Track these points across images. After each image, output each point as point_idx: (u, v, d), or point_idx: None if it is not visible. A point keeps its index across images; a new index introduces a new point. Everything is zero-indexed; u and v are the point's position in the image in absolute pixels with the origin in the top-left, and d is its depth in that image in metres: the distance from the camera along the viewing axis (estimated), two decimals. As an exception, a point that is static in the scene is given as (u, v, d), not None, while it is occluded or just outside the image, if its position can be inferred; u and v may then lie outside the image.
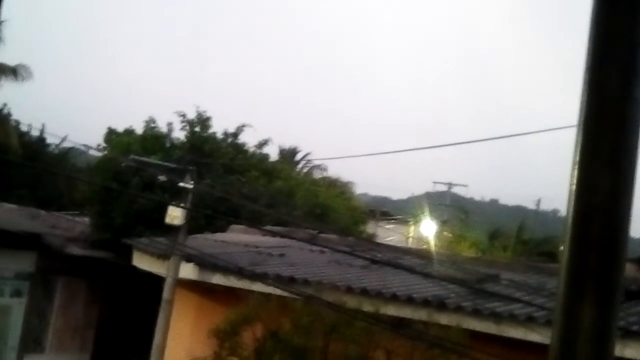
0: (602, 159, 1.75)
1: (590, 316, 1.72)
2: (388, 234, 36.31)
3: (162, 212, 15.24)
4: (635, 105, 1.75)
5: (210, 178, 20.74)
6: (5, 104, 31.41)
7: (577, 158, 1.78)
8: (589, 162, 1.77)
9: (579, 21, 1.90)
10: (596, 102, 1.78)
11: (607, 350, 1.74)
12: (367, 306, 10.52)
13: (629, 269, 12.07)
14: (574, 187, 1.78)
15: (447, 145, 14.31)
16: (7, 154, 27.89)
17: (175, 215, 14.86)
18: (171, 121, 24.42)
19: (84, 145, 24.32)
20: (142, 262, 15.62)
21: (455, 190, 46.05)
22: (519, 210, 53.22)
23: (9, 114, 31.62)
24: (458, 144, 13.75)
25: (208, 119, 24.40)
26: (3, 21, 27.71)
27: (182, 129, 24.29)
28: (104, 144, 24.94)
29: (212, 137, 24.46)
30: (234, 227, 18.91)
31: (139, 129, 24.62)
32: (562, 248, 1.82)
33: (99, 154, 25.03)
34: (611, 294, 1.74)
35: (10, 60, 28.12)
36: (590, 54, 1.82)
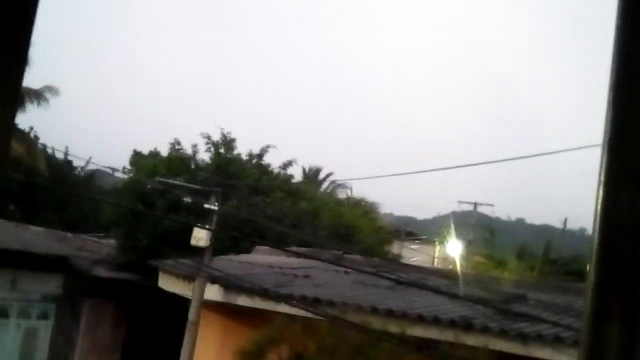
0: (626, 178, 1.74)
1: (617, 336, 1.71)
2: (413, 254, 36.15)
3: (188, 233, 15.31)
4: (660, 123, 1.74)
5: (235, 199, 20.80)
6: (31, 128, 31.79)
7: (602, 177, 1.77)
8: (614, 181, 1.76)
9: (605, 39, 1.89)
10: (620, 121, 1.77)
11: (634, 370, 1.72)
12: (393, 327, 10.47)
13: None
14: (599, 206, 1.77)
15: (473, 164, 14.26)
16: (34, 176, 28.17)
17: (200, 236, 14.92)
18: (196, 143, 24.62)
19: (110, 168, 24.47)
20: (167, 283, 15.67)
21: (481, 209, 45.85)
22: (545, 229, 52.82)
23: (35, 137, 31.96)
24: (484, 163, 13.70)
25: (233, 140, 24.57)
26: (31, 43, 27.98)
27: (207, 150, 24.46)
28: (129, 167, 25.16)
29: (237, 158, 24.60)
30: (259, 248, 18.94)
31: (164, 151, 24.82)
32: (588, 267, 1.81)
33: (125, 176, 25.24)
34: (638, 313, 1.73)
35: (37, 82, 28.44)
36: (615, 73, 1.82)
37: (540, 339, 9.93)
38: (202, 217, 15.78)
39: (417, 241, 41.43)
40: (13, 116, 1.37)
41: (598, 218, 1.77)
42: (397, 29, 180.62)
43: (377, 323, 10.61)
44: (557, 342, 9.71)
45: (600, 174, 1.78)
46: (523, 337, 10.08)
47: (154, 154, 25.06)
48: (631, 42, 1.81)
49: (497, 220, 54.67)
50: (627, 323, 1.73)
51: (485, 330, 10.40)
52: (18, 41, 1.36)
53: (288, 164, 26.54)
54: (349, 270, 14.69)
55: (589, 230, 1.84)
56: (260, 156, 25.55)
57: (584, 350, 1.75)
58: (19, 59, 1.37)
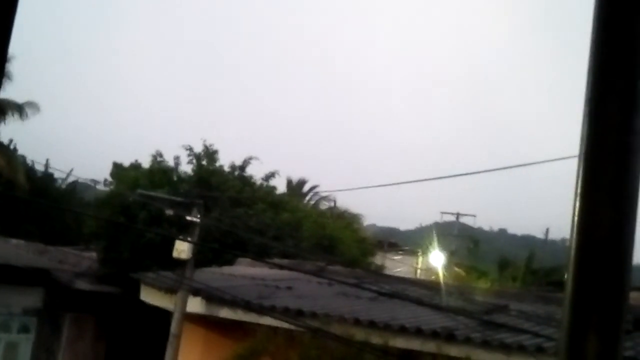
0: (603, 190, 1.76)
1: (595, 347, 1.72)
2: (396, 265, 36.20)
3: (170, 246, 15.26)
4: (636, 137, 1.76)
5: (218, 211, 20.75)
6: (11, 140, 31.66)
7: (579, 189, 1.79)
8: (591, 193, 1.78)
9: (582, 49, 1.92)
10: (597, 133, 1.80)
11: (613, 380, 1.73)
12: (375, 338, 10.48)
13: (638, 297, 12.01)
14: (576, 217, 1.79)
15: (455, 175, 14.31)
16: (15, 189, 28.00)
17: (182, 249, 14.88)
18: (178, 155, 24.56)
19: (91, 180, 24.39)
20: (149, 296, 15.61)
21: (464, 220, 46.02)
22: (527, 239, 53.04)
23: (15, 150, 31.82)
24: (465, 174, 13.76)
25: (215, 152, 24.53)
26: (10, 58, 27.94)
27: (189, 162, 24.41)
28: (110, 179, 25.04)
29: (219, 170, 24.55)
30: (241, 260, 18.91)
31: (146, 163, 24.74)
32: (565, 277, 1.82)
33: (106, 189, 25.12)
34: (616, 324, 1.74)
35: (17, 97, 28.38)
36: (591, 85, 1.84)
37: (522, 349, 9.96)
38: (184, 230, 15.73)
39: (399, 252, 41.47)
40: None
41: (575, 229, 1.79)
42: (377, 37, 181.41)
43: (359, 334, 10.62)
44: (539, 352, 9.74)
45: (577, 186, 1.80)
46: (505, 348, 10.11)
47: (135, 166, 24.97)
48: (606, 55, 1.83)
49: (479, 230, 54.86)
50: (605, 333, 1.74)
51: (467, 341, 10.42)
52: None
53: (271, 175, 26.52)
54: (331, 282, 14.69)
55: (570, 242, 1.85)
56: (242, 168, 25.52)
57: (563, 359, 1.77)
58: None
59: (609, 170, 1.76)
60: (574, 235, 1.79)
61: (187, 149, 24.26)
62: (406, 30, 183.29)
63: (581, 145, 1.81)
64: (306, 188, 40.78)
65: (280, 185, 30.40)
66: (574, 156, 1.83)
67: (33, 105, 28.76)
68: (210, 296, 13.59)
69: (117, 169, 25.22)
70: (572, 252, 1.78)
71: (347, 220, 34.90)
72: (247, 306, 12.55)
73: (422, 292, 13.96)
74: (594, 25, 1.86)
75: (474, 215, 46.49)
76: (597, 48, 1.85)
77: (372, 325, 11.24)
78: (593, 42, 1.86)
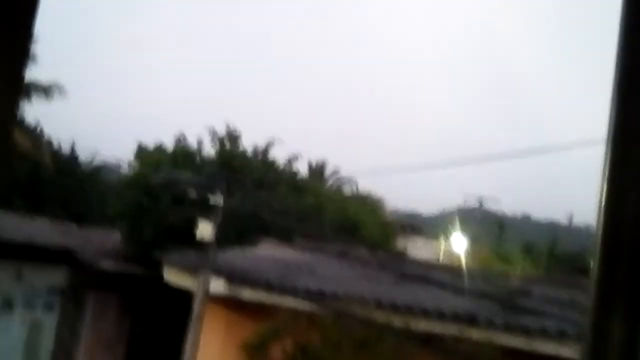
0: (630, 172, 1.74)
1: (620, 331, 1.71)
2: (419, 249, 36.14)
3: (193, 227, 15.33)
4: (665, 118, 1.73)
5: (240, 194, 20.81)
6: (37, 121, 31.89)
7: (606, 172, 1.77)
8: (617, 176, 1.75)
9: (613, 31, 1.89)
10: (624, 114, 1.77)
11: (638, 365, 1.72)
12: (397, 321, 10.48)
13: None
14: (602, 201, 1.77)
15: (479, 160, 14.25)
16: (40, 170, 28.26)
17: (205, 230, 14.95)
18: (201, 137, 24.63)
19: (116, 162, 24.55)
20: (172, 276, 15.70)
21: (487, 205, 45.82)
22: (551, 225, 52.77)
23: (41, 131, 32.06)
24: (489, 158, 13.70)
25: (238, 135, 24.58)
26: (36, 38, 28.11)
27: (212, 145, 24.47)
28: (134, 160, 25.19)
29: (242, 153, 24.61)
30: (264, 242, 18.97)
31: (170, 146, 24.85)
32: (592, 263, 1.81)
33: (130, 170, 25.28)
34: (642, 310, 1.72)
35: (44, 78, 28.53)
36: (619, 67, 1.81)
37: (544, 333, 9.93)
38: (207, 211, 15.80)
39: (422, 236, 41.39)
40: (16, 108, 1.38)
41: (601, 213, 1.77)
42: (403, 20, 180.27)
43: (381, 317, 10.62)
44: (561, 336, 9.71)
45: (603, 169, 1.78)
46: (527, 332, 10.08)
47: (159, 148, 25.08)
48: (636, 36, 1.80)
49: (502, 216, 54.63)
50: (630, 319, 1.73)
51: (489, 324, 10.40)
52: (20, 32, 1.36)
53: (293, 158, 26.56)
54: (354, 264, 14.70)
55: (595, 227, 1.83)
56: (265, 151, 25.57)
57: (587, 345, 1.75)
58: (22, 50, 1.38)
59: (635, 153, 1.74)
60: (601, 219, 1.77)
61: (210, 132, 24.34)
62: (436, 9, 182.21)
63: (609, 126, 1.79)
64: (327, 171, 40.79)
65: (302, 169, 30.47)
66: (600, 141, 1.81)
67: (59, 86, 28.90)
68: (233, 277, 13.65)
69: (141, 150, 25.35)
70: (599, 237, 1.76)
71: (370, 204, 34.90)
72: (269, 288, 12.59)
73: (445, 276, 13.94)
74: (624, 3, 1.83)
75: (498, 200, 46.26)
76: (627, 27, 1.82)
77: (393, 307, 11.25)
78: (622, 22, 1.83)
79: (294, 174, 26.59)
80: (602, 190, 1.78)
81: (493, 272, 17.61)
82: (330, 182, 39.47)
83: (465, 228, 34.62)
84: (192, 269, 14.88)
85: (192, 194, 18.62)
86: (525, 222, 71.81)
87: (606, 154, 1.78)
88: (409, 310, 11.15)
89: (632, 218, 1.74)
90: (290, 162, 26.43)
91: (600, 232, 1.77)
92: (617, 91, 1.80)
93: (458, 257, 29.28)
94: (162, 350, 20.66)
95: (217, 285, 13.98)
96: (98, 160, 35.36)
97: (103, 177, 35.58)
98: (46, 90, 28.28)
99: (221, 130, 24.51)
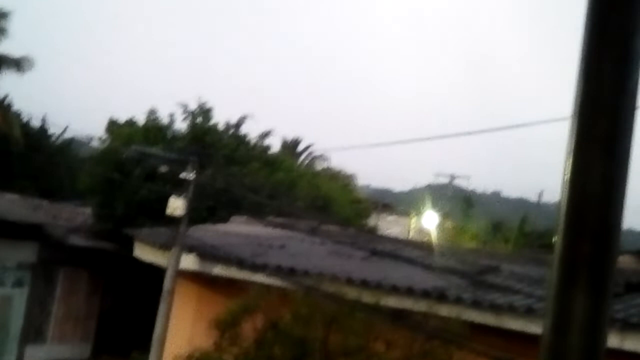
0: (596, 148, 1.75)
1: (582, 306, 1.72)
2: (389, 226, 36.27)
3: (164, 203, 15.26)
4: (629, 95, 1.74)
5: (212, 169, 20.73)
6: (7, 95, 31.49)
7: (572, 147, 1.78)
8: (583, 151, 1.77)
9: (578, 11, 1.90)
10: (590, 91, 1.78)
11: (599, 339, 1.73)
12: (367, 297, 10.52)
13: (630, 261, 12.07)
14: (568, 176, 1.78)
15: (449, 136, 14.30)
16: (10, 144, 27.93)
17: (176, 206, 14.88)
18: (173, 112, 24.44)
19: (86, 136, 24.32)
20: (143, 252, 15.64)
21: (458, 182, 45.96)
22: (521, 202, 53.05)
23: (10, 105, 31.67)
24: (460, 135, 13.74)
25: (210, 110, 24.38)
26: (7, 13, 27.73)
27: (184, 120, 24.30)
28: (105, 135, 24.97)
29: (214, 128, 24.47)
30: (235, 218, 18.92)
31: (141, 120, 24.64)
32: (555, 237, 1.82)
33: (101, 145, 25.06)
34: (604, 284, 1.74)
35: (14, 52, 28.15)
36: (585, 44, 1.82)
37: (512, 309, 10.02)
38: (179, 187, 15.72)
39: (393, 213, 41.52)
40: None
41: (567, 188, 1.78)
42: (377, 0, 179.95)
43: (352, 293, 10.65)
44: (529, 313, 9.80)
45: (569, 144, 1.79)
46: (495, 308, 10.16)
47: (130, 123, 24.87)
48: (601, 15, 1.81)
49: (473, 192, 54.84)
50: (593, 294, 1.74)
51: (458, 301, 10.47)
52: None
53: (266, 134, 26.50)
54: (325, 241, 14.73)
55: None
56: (237, 126, 25.44)
57: (549, 319, 1.77)
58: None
59: (601, 127, 1.75)
60: (565, 193, 1.78)
61: (182, 107, 24.15)
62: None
63: (575, 103, 1.80)
64: (300, 147, 40.74)
65: (275, 145, 30.39)
66: (569, 118, 1.82)
67: (29, 60, 28.54)
68: (204, 253, 13.62)
69: (112, 125, 25.12)
70: (563, 211, 1.78)
71: (342, 181, 34.95)
72: (241, 264, 12.58)
73: (415, 252, 14.01)
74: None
75: (469, 177, 46.39)
76: (593, 6, 1.83)
77: (364, 284, 11.29)
78: (588, 3, 1.84)
79: (266, 150, 26.51)
80: (567, 165, 1.79)
81: (463, 248, 17.72)
82: (302, 158, 39.45)
83: (436, 205, 34.74)
84: (163, 245, 14.82)
85: (164, 169, 18.51)
86: (495, 199, 72.26)
87: (572, 129, 1.79)
88: (378, 286, 11.19)
89: (597, 192, 1.75)
90: (262, 137, 26.36)
91: (564, 207, 1.78)
92: (583, 66, 1.81)
93: (429, 234, 29.42)
94: (133, 326, 20.63)
95: (188, 261, 13.95)
96: (68, 135, 35.04)
97: (73, 151, 35.27)
98: (17, 64, 27.93)
99: (193, 105, 24.33)
